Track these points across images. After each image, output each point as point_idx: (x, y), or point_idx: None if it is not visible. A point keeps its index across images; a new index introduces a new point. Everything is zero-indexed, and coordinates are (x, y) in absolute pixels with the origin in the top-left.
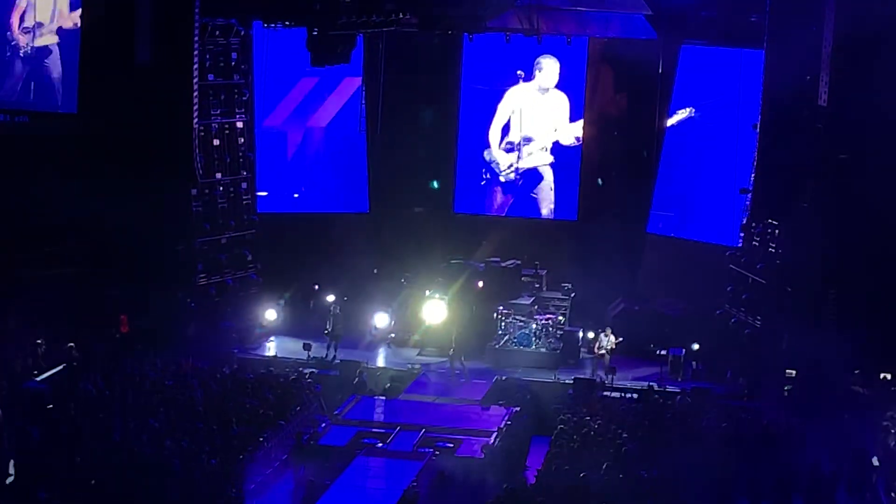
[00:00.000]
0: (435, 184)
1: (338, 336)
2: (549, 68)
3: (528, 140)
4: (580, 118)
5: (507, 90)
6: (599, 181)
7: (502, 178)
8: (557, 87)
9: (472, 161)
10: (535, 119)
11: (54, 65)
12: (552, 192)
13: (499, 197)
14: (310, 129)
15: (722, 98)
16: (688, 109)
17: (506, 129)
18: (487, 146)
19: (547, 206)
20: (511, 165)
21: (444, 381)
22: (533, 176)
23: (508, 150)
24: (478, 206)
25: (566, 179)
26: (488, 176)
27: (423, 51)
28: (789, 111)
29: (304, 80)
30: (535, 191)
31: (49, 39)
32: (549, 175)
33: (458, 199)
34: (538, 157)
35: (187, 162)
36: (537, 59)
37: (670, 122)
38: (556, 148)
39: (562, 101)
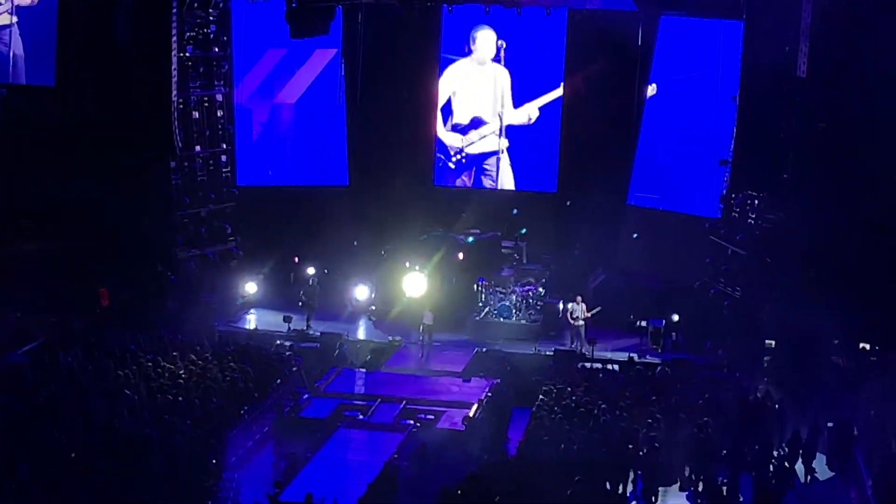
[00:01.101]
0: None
1: (312, 307)
2: (484, 41)
3: (478, 122)
4: (544, 93)
5: (446, 67)
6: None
7: (451, 165)
8: (496, 60)
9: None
10: (479, 97)
11: (15, 42)
12: (509, 171)
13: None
14: (277, 106)
15: (701, 69)
16: (651, 86)
17: (446, 110)
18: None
19: (506, 184)
20: (461, 150)
21: (424, 354)
22: (482, 160)
23: (459, 131)
24: (447, 147)
25: (545, 152)
26: (442, 157)
27: (402, 22)
28: (769, 82)
29: (271, 53)
30: (488, 172)
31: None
32: (504, 158)
33: (438, 172)
34: (490, 142)
35: (166, 135)
36: (472, 33)
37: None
38: (536, 116)
39: (502, 76)
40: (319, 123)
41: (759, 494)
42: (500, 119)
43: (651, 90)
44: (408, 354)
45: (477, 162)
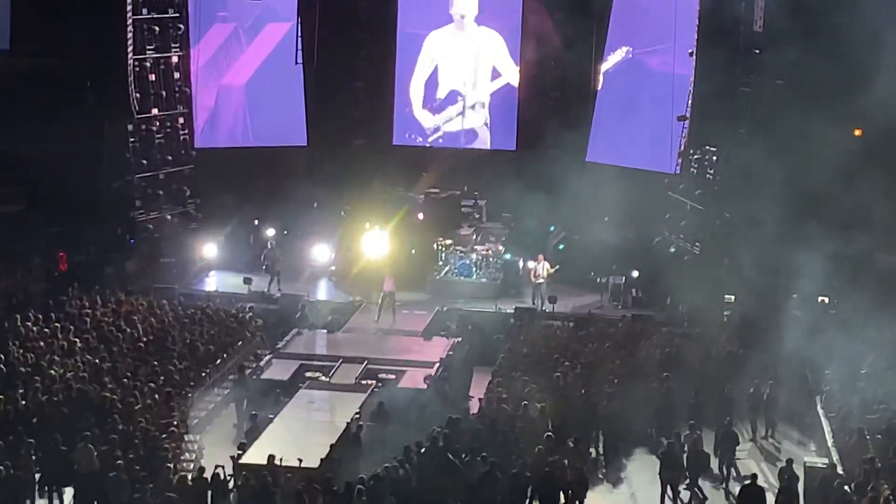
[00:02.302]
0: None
1: (276, 270)
2: (461, 3)
3: (455, 96)
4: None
5: (426, 36)
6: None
7: (429, 143)
8: (481, 21)
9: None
10: (462, 66)
11: None
12: (487, 136)
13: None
14: (225, 89)
15: (659, 25)
16: (623, 49)
17: (431, 85)
18: (409, 104)
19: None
20: (438, 129)
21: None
22: (462, 137)
23: (435, 111)
24: (420, 125)
25: (505, 110)
26: (418, 139)
27: None
28: (725, 37)
29: (217, 28)
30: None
31: None
32: (484, 133)
33: (398, 132)
34: (470, 118)
35: (123, 98)
36: None
37: (606, 66)
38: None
39: (492, 40)
40: (276, 88)
41: (691, 452)
42: (445, 106)
43: (623, 54)
44: (369, 314)
45: (457, 136)
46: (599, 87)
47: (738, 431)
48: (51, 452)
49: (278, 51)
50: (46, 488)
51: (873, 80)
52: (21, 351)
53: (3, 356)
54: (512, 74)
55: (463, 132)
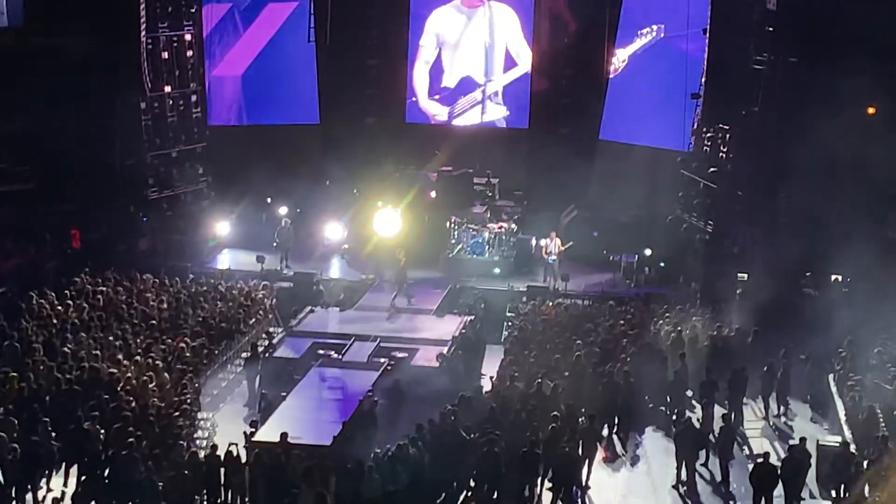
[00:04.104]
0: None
1: (287, 248)
2: None
3: (472, 85)
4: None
5: (428, 16)
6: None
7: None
8: None
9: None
10: (474, 49)
11: None
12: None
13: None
14: (217, 80)
15: (672, 3)
16: (654, 28)
17: (437, 70)
18: (415, 94)
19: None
20: (449, 122)
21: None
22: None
23: (446, 101)
24: (428, 116)
25: (518, 89)
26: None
27: None
28: (739, 15)
29: (210, 8)
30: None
31: None
32: (501, 124)
33: (410, 109)
34: (490, 112)
35: (135, 75)
36: None
37: (633, 48)
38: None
39: (506, 15)
40: (283, 69)
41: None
42: (457, 97)
43: (655, 33)
44: (381, 292)
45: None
46: (621, 69)
47: (745, 412)
48: (69, 430)
49: (283, 32)
50: (63, 466)
51: (889, 57)
52: (34, 328)
53: (16, 333)
54: (527, 59)
55: (480, 125)
